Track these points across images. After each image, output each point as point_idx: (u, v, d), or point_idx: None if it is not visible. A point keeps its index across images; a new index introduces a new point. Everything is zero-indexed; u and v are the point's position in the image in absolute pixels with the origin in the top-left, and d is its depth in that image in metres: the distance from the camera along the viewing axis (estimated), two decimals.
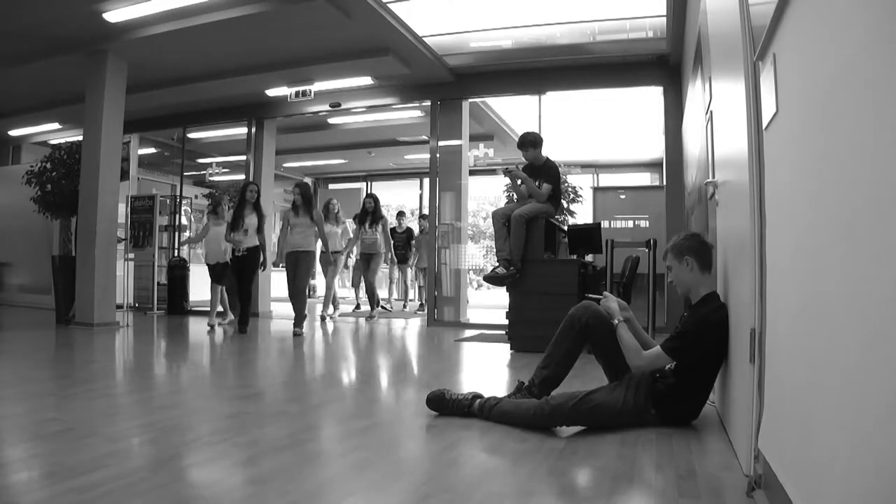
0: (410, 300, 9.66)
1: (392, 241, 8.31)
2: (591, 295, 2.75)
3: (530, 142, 4.94)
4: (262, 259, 6.20)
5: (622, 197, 7.42)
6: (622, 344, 2.46)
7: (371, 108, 8.29)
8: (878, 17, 0.84)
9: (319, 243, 6.62)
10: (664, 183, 6.97)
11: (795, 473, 1.29)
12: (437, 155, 7.59)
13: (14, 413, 2.56)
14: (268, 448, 2.12)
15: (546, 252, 5.04)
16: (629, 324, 2.58)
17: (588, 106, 8.54)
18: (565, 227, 5.95)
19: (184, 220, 9.29)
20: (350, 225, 8.10)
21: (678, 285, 2.51)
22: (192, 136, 9.47)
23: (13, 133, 9.67)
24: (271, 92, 7.58)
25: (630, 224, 7.26)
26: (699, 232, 2.66)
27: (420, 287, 9.70)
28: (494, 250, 5.13)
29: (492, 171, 8.33)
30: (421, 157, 9.95)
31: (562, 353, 2.67)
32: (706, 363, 2.37)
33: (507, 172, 5.02)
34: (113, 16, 5.55)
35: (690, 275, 2.44)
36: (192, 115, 8.68)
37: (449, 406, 2.61)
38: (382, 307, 8.45)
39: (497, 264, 4.94)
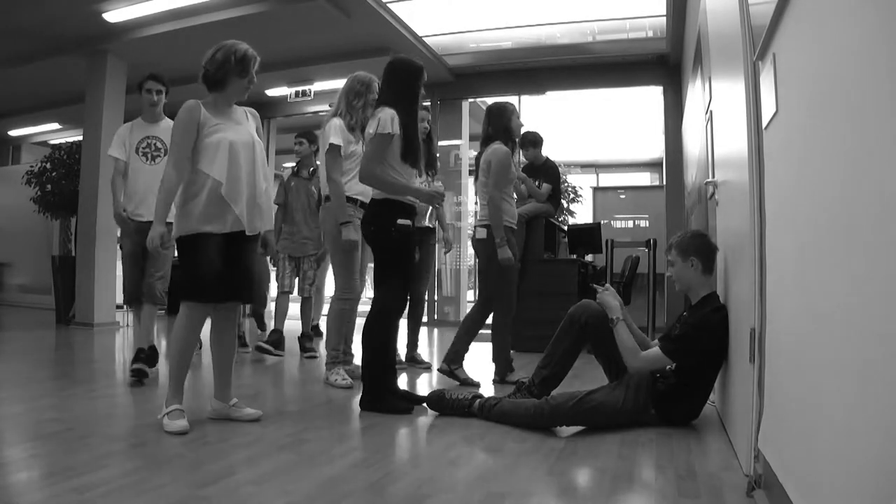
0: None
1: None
2: (593, 284, 2.74)
3: (530, 141, 4.94)
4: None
5: (622, 197, 7.42)
6: (620, 344, 2.46)
7: None
8: (877, 16, 0.84)
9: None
10: (664, 183, 6.97)
11: (795, 473, 1.29)
12: (437, 154, 7.58)
13: (14, 413, 2.56)
14: (268, 448, 2.12)
15: (546, 252, 5.04)
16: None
17: (588, 106, 8.54)
18: (565, 227, 5.95)
19: None
20: None
21: (678, 281, 2.51)
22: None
23: (13, 133, 9.66)
24: (271, 92, 7.58)
25: (630, 224, 7.27)
26: (705, 232, 2.66)
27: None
28: None
29: None
30: None
31: (561, 352, 2.68)
32: (706, 364, 2.37)
33: None
34: (113, 16, 5.55)
35: (693, 274, 2.44)
36: None
37: (449, 406, 2.61)
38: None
39: None
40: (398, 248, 2.75)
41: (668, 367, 2.44)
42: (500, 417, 2.49)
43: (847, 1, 0.99)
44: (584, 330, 2.63)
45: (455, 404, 2.60)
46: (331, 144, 3.21)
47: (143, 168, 3.52)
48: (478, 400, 2.59)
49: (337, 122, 3.28)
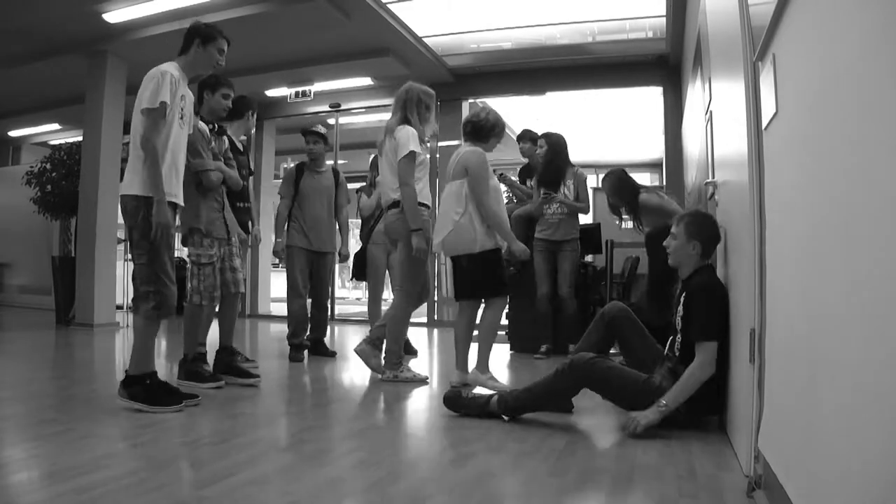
0: None
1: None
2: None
3: (530, 137, 4.98)
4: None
5: None
6: (684, 393, 2.31)
7: (371, 109, 8.29)
8: (877, 17, 0.84)
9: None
10: (664, 183, 6.96)
11: (795, 473, 1.29)
12: (437, 155, 7.59)
13: (14, 413, 2.56)
14: (268, 448, 2.12)
15: None
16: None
17: (588, 106, 8.54)
18: None
19: None
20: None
21: (672, 254, 2.53)
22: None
23: (13, 133, 9.66)
24: (271, 92, 7.58)
25: (630, 224, 7.25)
26: (714, 218, 2.64)
27: None
28: None
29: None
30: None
31: (589, 346, 2.80)
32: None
33: (500, 178, 5.03)
34: (113, 16, 5.55)
35: (691, 257, 2.46)
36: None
37: (465, 405, 2.59)
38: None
39: None
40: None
41: (669, 353, 2.45)
42: (520, 397, 2.48)
43: (847, 1, 0.99)
44: (609, 326, 2.80)
45: (471, 402, 2.58)
46: (411, 151, 3.29)
47: (181, 133, 2.71)
48: (494, 396, 2.57)
49: (412, 129, 3.36)
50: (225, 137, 3.53)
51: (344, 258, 4.62)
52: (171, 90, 2.55)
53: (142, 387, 2.57)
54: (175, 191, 2.67)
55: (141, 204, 2.52)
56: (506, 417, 2.53)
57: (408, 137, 3.31)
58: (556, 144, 4.63)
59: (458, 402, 2.61)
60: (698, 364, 2.29)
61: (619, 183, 4.15)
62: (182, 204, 2.75)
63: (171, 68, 2.61)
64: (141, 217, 2.53)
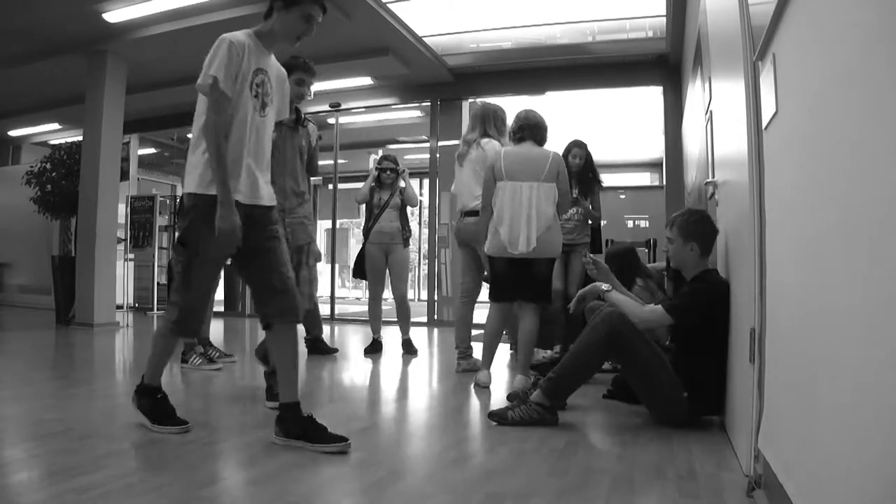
0: None
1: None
2: (584, 260, 2.83)
3: None
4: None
5: (622, 197, 7.41)
6: (621, 306, 2.45)
7: (371, 108, 8.30)
8: (877, 17, 0.84)
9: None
10: (664, 183, 6.97)
11: (795, 473, 1.30)
12: (437, 155, 7.59)
13: (14, 413, 2.56)
14: (268, 448, 2.12)
15: None
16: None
17: (588, 106, 8.54)
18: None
19: None
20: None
21: (673, 259, 2.55)
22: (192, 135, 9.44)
23: (13, 133, 9.66)
24: None
25: (630, 224, 7.26)
26: (706, 212, 2.65)
27: None
28: None
29: None
30: (421, 157, 9.99)
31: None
32: (712, 337, 2.34)
33: None
34: (113, 16, 5.54)
35: (690, 257, 2.47)
36: (192, 115, 8.65)
37: (509, 415, 2.47)
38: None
39: None
40: None
41: (667, 342, 2.46)
42: (558, 373, 2.43)
43: (846, 1, 0.99)
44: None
45: (514, 407, 2.48)
46: None
47: (255, 120, 2.18)
48: (535, 390, 2.50)
49: (497, 143, 3.73)
50: (310, 127, 3.16)
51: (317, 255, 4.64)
52: (231, 60, 2.06)
53: (151, 400, 2.30)
54: (238, 185, 2.10)
55: (196, 203, 2.06)
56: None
57: (495, 151, 3.59)
58: (589, 154, 4.70)
59: (504, 415, 2.46)
60: (645, 311, 2.41)
61: (622, 259, 4.09)
62: (246, 202, 2.13)
63: (238, 35, 2.14)
64: (191, 218, 2.09)
